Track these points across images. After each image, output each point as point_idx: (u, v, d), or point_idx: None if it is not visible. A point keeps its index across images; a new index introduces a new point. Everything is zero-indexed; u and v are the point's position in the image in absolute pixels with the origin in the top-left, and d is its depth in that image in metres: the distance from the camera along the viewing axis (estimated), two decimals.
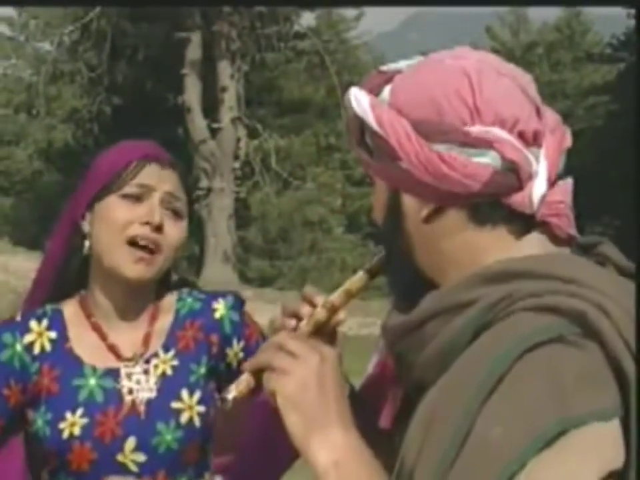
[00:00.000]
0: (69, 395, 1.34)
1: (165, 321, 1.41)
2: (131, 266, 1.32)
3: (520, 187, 0.87)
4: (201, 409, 1.37)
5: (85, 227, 1.37)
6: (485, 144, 0.86)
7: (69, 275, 1.40)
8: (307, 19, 19.90)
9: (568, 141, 0.93)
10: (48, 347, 1.37)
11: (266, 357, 0.89)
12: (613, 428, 0.79)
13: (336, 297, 0.97)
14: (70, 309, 1.40)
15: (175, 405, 1.35)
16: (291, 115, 19.53)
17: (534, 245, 0.89)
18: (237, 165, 16.60)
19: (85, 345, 1.37)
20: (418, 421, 0.85)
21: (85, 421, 1.33)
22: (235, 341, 1.43)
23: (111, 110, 18.39)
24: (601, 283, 0.84)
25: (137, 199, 1.34)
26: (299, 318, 0.95)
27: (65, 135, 18.75)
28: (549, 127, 0.91)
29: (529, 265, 0.86)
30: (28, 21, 19.74)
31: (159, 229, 1.33)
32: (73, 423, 1.32)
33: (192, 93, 16.30)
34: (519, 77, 0.90)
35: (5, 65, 20.05)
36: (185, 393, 1.36)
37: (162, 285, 1.42)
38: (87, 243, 1.37)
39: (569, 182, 0.92)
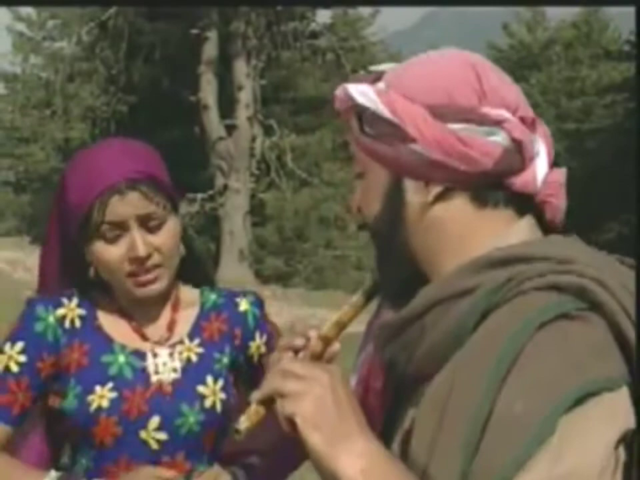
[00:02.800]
0: (99, 369, 1.39)
1: (190, 312, 1.47)
2: (139, 290, 1.38)
3: (522, 168, 0.92)
4: (223, 396, 1.43)
5: (88, 256, 1.41)
6: (495, 123, 0.91)
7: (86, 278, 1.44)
8: (323, 16, 19.90)
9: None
10: (78, 322, 1.43)
11: (274, 384, 0.90)
12: (625, 394, 0.84)
13: (329, 328, 0.97)
14: (97, 293, 1.46)
15: (201, 389, 1.41)
16: (306, 113, 19.53)
17: (525, 231, 0.93)
18: (252, 163, 16.63)
19: (113, 325, 1.43)
20: (430, 402, 0.87)
21: (113, 395, 1.37)
22: (257, 335, 1.49)
23: (128, 108, 18.46)
24: (595, 260, 0.89)
25: (117, 234, 1.36)
26: (295, 351, 0.96)
27: (82, 133, 18.85)
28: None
29: (527, 250, 0.90)
30: (46, 20, 19.86)
31: (148, 257, 1.36)
32: (102, 395, 1.37)
33: (208, 91, 16.33)
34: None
35: (24, 63, 20.18)
36: (209, 379, 1.42)
37: (181, 272, 1.46)
38: (92, 270, 1.41)
39: (563, 170, 0.97)
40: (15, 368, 1.39)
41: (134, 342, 1.42)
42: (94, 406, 1.36)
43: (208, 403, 1.41)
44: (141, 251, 1.35)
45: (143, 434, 1.38)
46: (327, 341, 0.96)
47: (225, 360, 1.45)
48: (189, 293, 1.49)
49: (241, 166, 16.31)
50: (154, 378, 1.40)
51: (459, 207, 0.92)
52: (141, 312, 1.44)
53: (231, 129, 16.35)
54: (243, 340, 1.48)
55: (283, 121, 17.76)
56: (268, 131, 16.93)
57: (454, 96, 0.91)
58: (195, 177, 16.04)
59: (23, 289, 10.84)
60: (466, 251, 0.92)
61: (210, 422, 1.41)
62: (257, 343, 1.49)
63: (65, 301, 1.43)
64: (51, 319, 1.41)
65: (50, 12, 19.75)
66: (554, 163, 0.97)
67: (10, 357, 1.39)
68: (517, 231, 0.93)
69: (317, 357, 0.95)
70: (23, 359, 1.39)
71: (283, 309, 12.56)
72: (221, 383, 1.43)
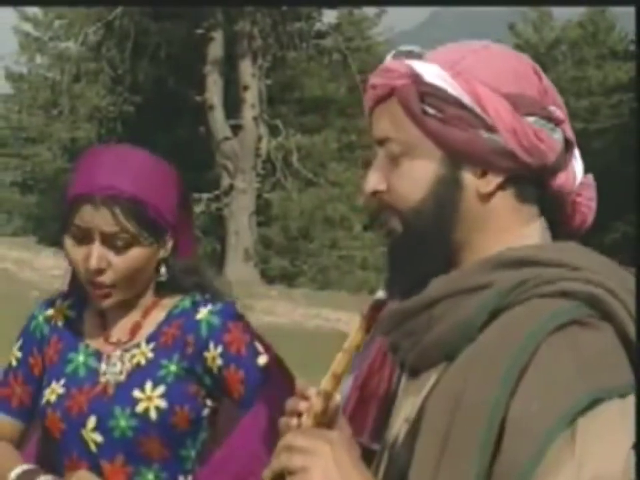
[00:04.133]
0: (60, 365, 1.47)
1: (157, 317, 1.47)
2: (94, 299, 1.43)
3: (564, 167, 0.93)
4: (161, 403, 1.40)
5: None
6: (555, 121, 0.93)
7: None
8: (329, 16, 19.90)
9: None
10: (62, 321, 1.50)
11: (280, 461, 0.91)
12: (632, 402, 0.84)
13: (326, 382, 0.97)
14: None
15: (136, 393, 1.41)
16: (312, 113, 19.52)
17: (539, 233, 0.94)
18: (258, 163, 16.64)
19: (91, 326, 1.49)
20: (442, 396, 0.88)
21: (61, 391, 1.44)
22: (211, 345, 1.42)
23: (134, 108, 18.49)
24: (602, 266, 0.90)
25: (82, 237, 1.39)
26: (299, 414, 0.96)
27: (88, 133, 18.89)
28: None
29: (540, 254, 0.91)
30: (52, 20, 19.90)
31: (99, 271, 1.38)
32: (53, 390, 1.44)
33: (214, 91, 16.36)
34: None
35: (30, 63, 20.23)
36: (148, 385, 1.41)
37: (166, 283, 1.46)
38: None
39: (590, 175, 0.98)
40: (14, 363, 1.52)
41: (98, 343, 1.47)
42: (44, 400, 1.44)
43: (140, 408, 1.39)
44: (93, 263, 1.37)
45: (83, 433, 1.41)
46: (327, 396, 0.96)
47: (173, 367, 1.42)
48: (169, 299, 1.48)
49: (246, 166, 16.32)
50: (102, 379, 1.43)
51: (507, 200, 0.92)
52: (114, 314, 1.47)
53: (236, 129, 16.37)
54: (197, 348, 1.42)
55: (288, 121, 17.76)
56: (273, 131, 16.94)
57: (524, 88, 0.92)
58: (200, 177, 16.06)
59: (30, 289, 10.87)
60: (495, 246, 0.92)
61: (143, 428, 1.39)
62: (212, 354, 1.41)
63: (58, 301, 1.52)
64: (40, 317, 1.51)
65: (56, 12, 19.78)
66: None
67: (13, 353, 1.52)
68: (532, 232, 0.93)
69: (321, 415, 0.95)
70: (19, 354, 1.52)
71: (288, 308, 12.57)
72: (161, 389, 1.40)
